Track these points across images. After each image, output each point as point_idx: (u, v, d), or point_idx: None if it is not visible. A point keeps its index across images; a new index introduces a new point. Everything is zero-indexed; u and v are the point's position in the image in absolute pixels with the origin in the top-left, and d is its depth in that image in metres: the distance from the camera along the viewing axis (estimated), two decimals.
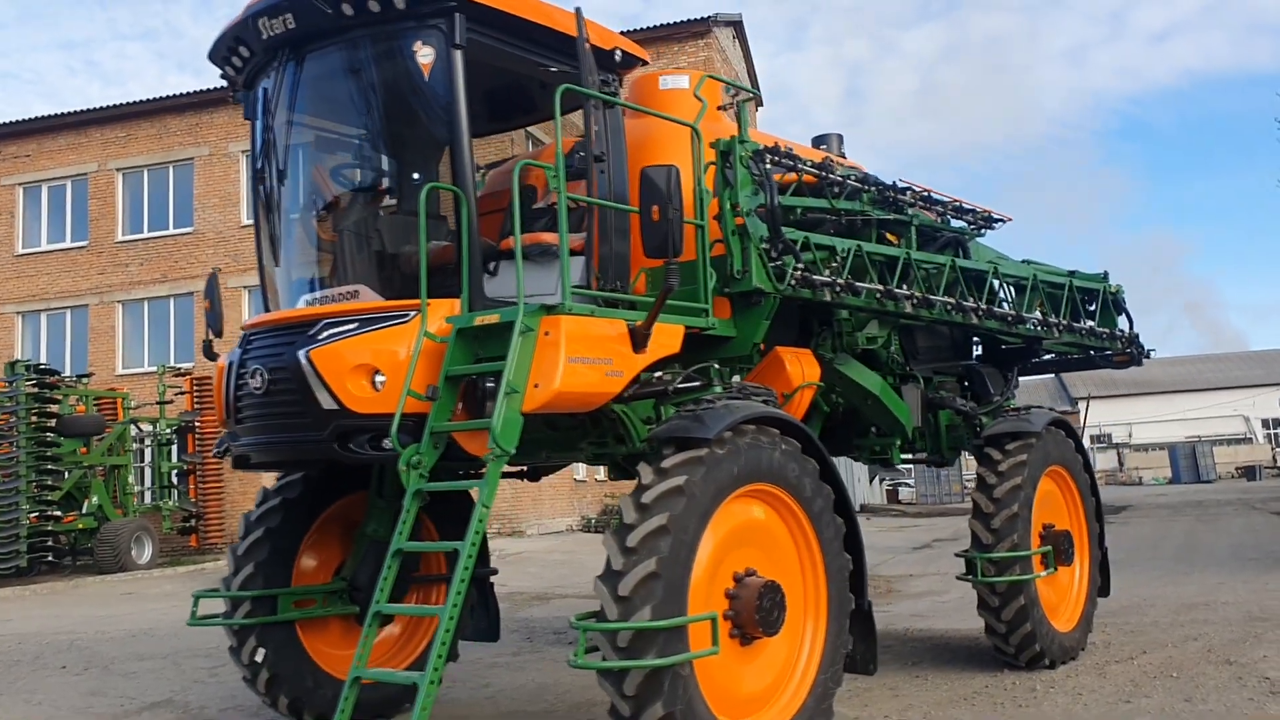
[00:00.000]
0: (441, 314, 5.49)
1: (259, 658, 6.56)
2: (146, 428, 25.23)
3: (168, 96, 28.65)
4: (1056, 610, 8.12)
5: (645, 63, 6.54)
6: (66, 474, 21.33)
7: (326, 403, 5.44)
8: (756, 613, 5.27)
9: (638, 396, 5.82)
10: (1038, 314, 8.79)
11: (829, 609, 5.76)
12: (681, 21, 29.81)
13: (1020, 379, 10.11)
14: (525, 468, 7.74)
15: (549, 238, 5.78)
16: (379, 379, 5.40)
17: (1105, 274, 10.09)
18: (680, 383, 5.84)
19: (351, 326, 5.51)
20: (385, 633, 7.26)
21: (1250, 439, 72.53)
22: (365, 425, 5.41)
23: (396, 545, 5.14)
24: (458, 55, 5.64)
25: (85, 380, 24.19)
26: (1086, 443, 8.92)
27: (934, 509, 40.80)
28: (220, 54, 6.21)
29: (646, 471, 5.15)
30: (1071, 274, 9.64)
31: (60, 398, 21.76)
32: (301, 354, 5.48)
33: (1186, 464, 62.57)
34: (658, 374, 5.90)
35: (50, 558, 21.12)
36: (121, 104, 29.40)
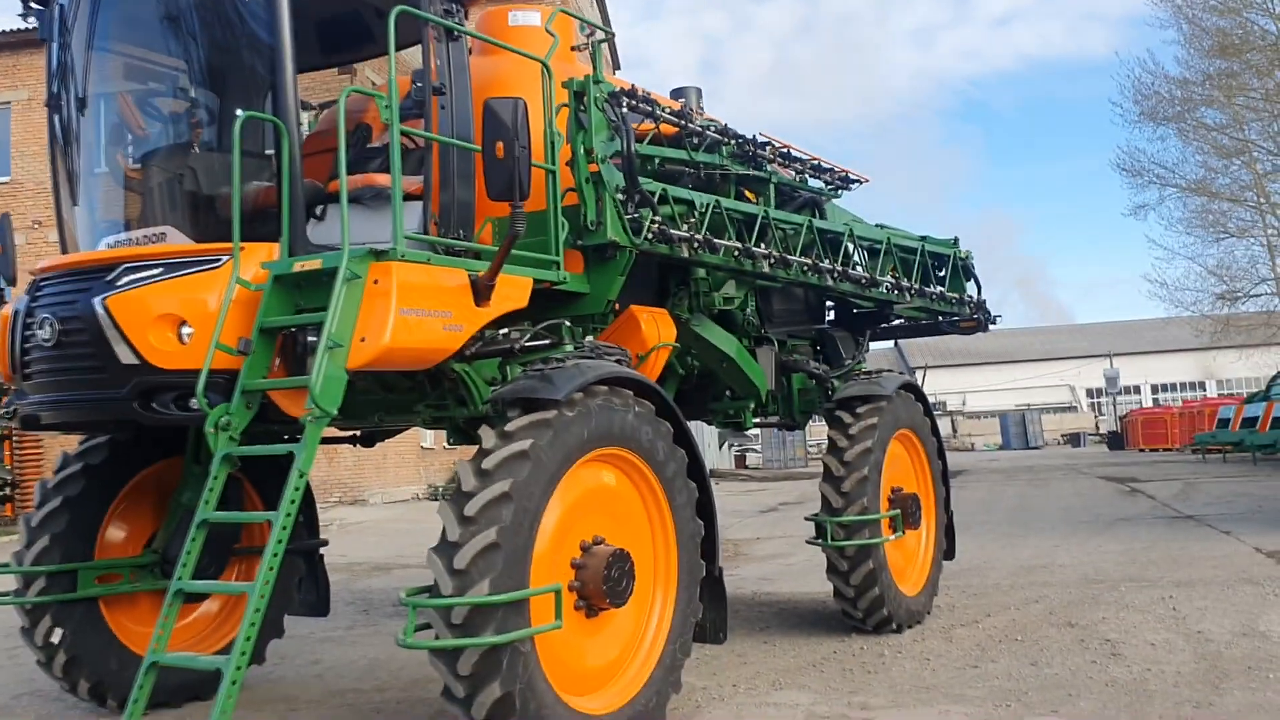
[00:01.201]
0: (258, 259, 4.97)
1: (55, 638, 5.97)
2: None
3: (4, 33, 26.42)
4: (904, 574, 8.12)
5: None
6: None
7: (126, 357, 4.88)
8: (604, 583, 4.98)
9: (481, 355, 5.42)
10: (890, 278, 8.72)
11: (679, 577, 5.53)
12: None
13: (870, 345, 10.09)
14: (358, 432, 7.24)
15: (382, 179, 5.27)
16: (185, 331, 4.86)
17: (955, 240, 10.12)
18: (528, 340, 5.46)
19: (156, 272, 4.95)
20: (203, 609, 6.72)
21: (1075, 407, 76.60)
22: (170, 382, 4.89)
23: (202, 515, 4.65)
24: None
25: None
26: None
27: (780, 474, 41.50)
28: None
29: (489, 435, 4.78)
30: (923, 239, 9.63)
31: None
32: (97, 301, 4.90)
33: (1016, 431, 65.57)
34: (504, 331, 5.50)
35: None
36: None
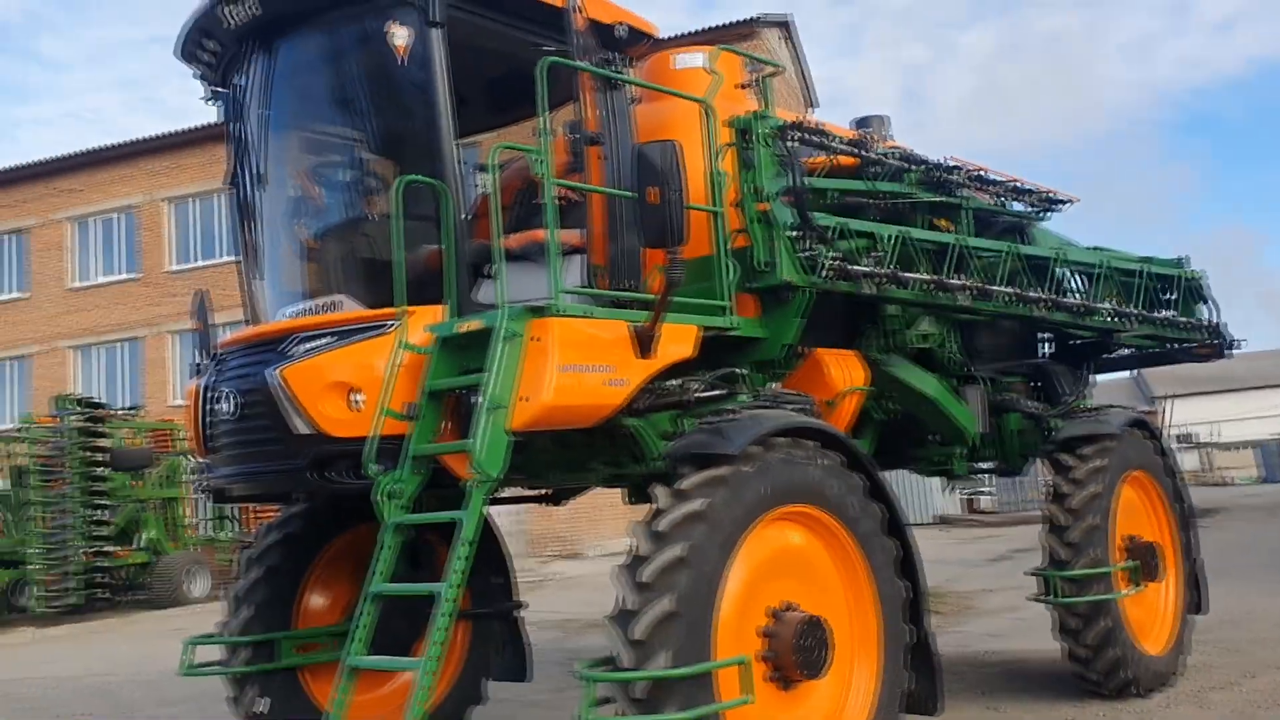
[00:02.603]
0: (425, 323, 4.89)
1: (261, 708, 6.05)
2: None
3: (213, 124, 28.64)
4: (1146, 631, 7.33)
5: (654, 39, 5.89)
6: (119, 508, 21.17)
7: (300, 427, 4.88)
8: (797, 653, 4.61)
9: (654, 408, 5.17)
10: (1109, 304, 7.99)
11: (882, 644, 5.07)
12: (725, 25, 29.15)
13: (1095, 378, 9.29)
14: (549, 490, 7.11)
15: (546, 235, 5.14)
16: (356, 398, 4.82)
17: (1182, 259, 9.22)
18: (702, 391, 5.17)
19: (326, 340, 4.95)
20: (399, 680, 6.66)
21: None
22: (344, 451, 4.85)
23: (372, 588, 4.54)
24: (436, 34, 5.07)
25: (136, 412, 24.12)
26: (1171, 444, 8.09)
27: (1013, 517, 39.43)
28: (187, 49, 5.69)
29: (661, 494, 4.52)
30: (1145, 260, 8.80)
31: (110, 431, 21.61)
32: (271, 372, 4.93)
33: (1277, 462, 60.25)
34: (678, 382, 5.24)
35: (105, 594, 20.94)
36: (167, 134, 29.57)
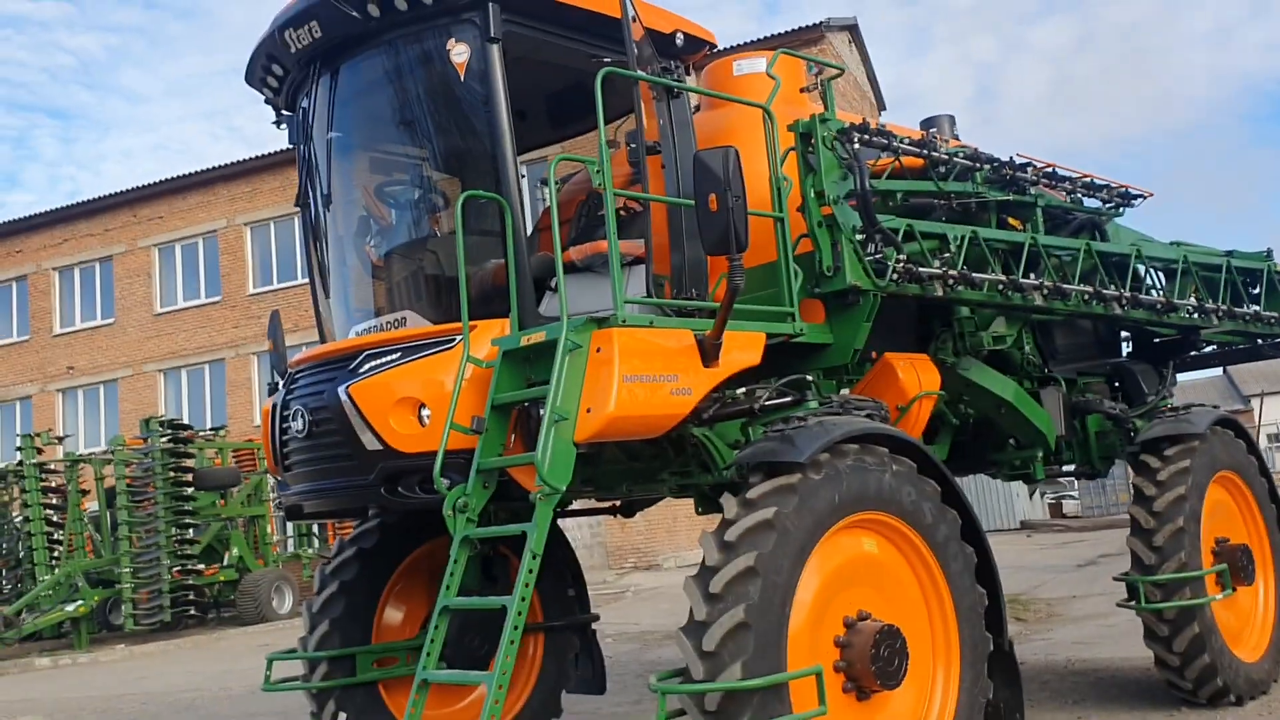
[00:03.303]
0: (489, 336, 4.90)
1: None
2: None
3: (288, 149, 29.20)
4: (1239, 637, 7.08)
5: (713, 46, 5.86)
6: (205, 527, 21.64)
7: (370, 443, 4.92)
8: (873, 663, 4.52)
9: (721, 417, 5.13)
10: (1191, 300, 7.74)
11: (962, 653, 4.96)
12: (793, 30, 28.98)
13: (1180, 376, 9.01)
14: (619, 502, 7.09)
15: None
16: (425, 413, 4.85)
17: (1269, 251, 8.91)
18: (770, 399, 5.11)
19: (394, 357, 4.99)
20: (475, 694, 6.67)
21: None
22: (413, 466, 4.88)
23: (443, 601, 4.56)
24: (494, 50, 5.10)
25: (221, 433, 24.66)
26: (1263, 443, 7.80)
27: (1100, 521, 38.51)
28: (255, 75, 5.81)
29: (730, 504, 4.48)
30: (1229, 254, 8.53)
31: (195, 452, 22.12)
32: (341, 389, 4.98)
33: None
34: (744, 390, 5.19)
35: (194, 611, 21.41)
36: (245, 159, 30.25)
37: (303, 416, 5.22)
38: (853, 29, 33.33)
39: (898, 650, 4.60)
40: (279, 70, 5.72)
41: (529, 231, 5.43)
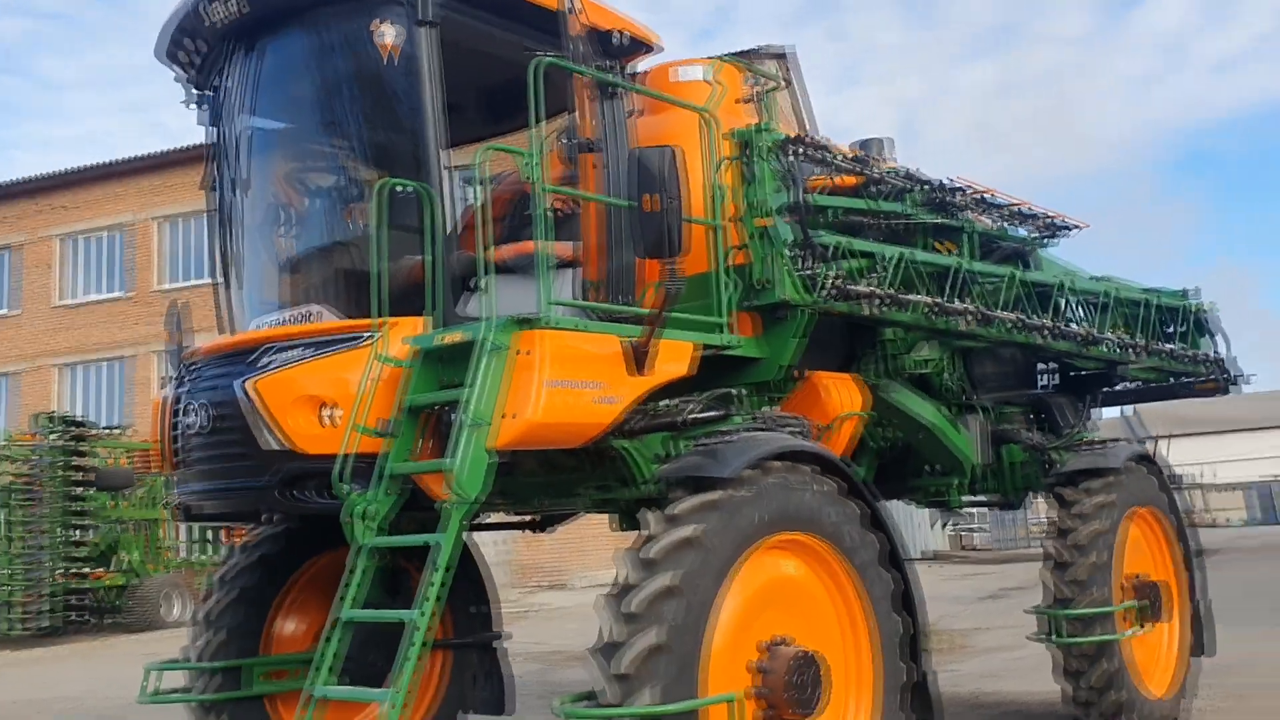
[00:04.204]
0: (403, 335, 4.65)
1: None
2: None
3: (205, 144, 28.53)
4: (1149, 673, 7.10)
5: (651, 48, 5.70)
6: (99, 529, 20.80)
7: (268, 442, 4.64)
8: (789, 689, 4.36)
9: (646, 429, 4.94)
10: (1114, 335, 7.78)
11: (879, 683, 4.83)
12: (726, 55, 29.13)
13: (1099, 411, 9.08)
14: (535, 517, 6.85)
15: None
16: (329, 413, 4.58)
17: (1188, 291, 9.03)
18: (697, 412, 4.94)
19: (299, 352, 4.72)
20: (369, 711, 6.37)
21: None
22: (315, 469, 4.61)
23: (339, 614, 4.30)
24: (425, 34, 4.87)
25: (120, 432, 23.75)
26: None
27: (1004, 555, 39.20)
28: (168, 47, 5.48)
29: (652, 519, 4.29)
30: (1152, 291, 8.61)
31: (92, 451, 21.25)
32: (239, 384, 4.69)
33: (1264, 504, 60.11)
34: (671, 402, 5.00)
35: (80, 616, 20.53)
36: (159, 152, 29.37)
37: (200, 411, 4.91)
38: (782, 58, 33.61)
39: (815, 678, 4.47)
40: (193, 45, 5.42)
41: (453, 228, 5.20)
